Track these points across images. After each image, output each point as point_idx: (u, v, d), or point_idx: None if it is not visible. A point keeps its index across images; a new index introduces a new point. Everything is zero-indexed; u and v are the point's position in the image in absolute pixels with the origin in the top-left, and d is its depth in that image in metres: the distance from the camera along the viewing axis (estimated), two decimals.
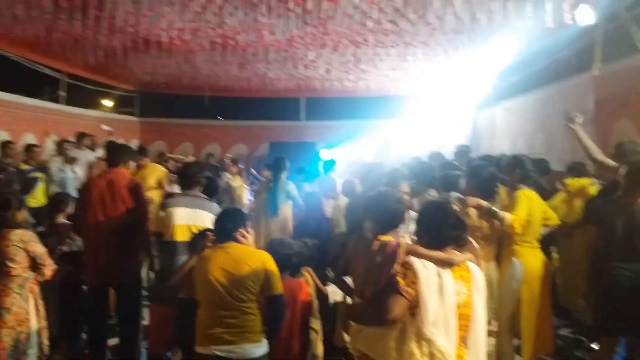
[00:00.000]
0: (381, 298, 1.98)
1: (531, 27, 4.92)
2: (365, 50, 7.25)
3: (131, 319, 3.59)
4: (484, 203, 3.29)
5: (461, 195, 3.39)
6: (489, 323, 3.26)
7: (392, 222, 2.26)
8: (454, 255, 2.06)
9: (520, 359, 3.50)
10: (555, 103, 6.69)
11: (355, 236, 2.41)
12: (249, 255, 2.55)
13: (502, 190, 3.82)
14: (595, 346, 4.09)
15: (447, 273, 2.00)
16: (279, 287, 2.55)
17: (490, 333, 3.25)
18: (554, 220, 3.75)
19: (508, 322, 3.44)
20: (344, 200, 4.99)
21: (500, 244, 3.54)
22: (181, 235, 3.39)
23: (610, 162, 3.83)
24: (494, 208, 3.29)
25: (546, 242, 3.88)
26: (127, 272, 3.54)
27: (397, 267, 2.00)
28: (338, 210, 5.23)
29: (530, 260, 3.39)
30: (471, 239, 2.74)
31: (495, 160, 4.50)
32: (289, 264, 3.13)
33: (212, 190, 4.39)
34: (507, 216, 3.26)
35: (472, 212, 3.30)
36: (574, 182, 4.52)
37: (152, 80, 10.34)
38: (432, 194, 4.02)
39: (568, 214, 4.46)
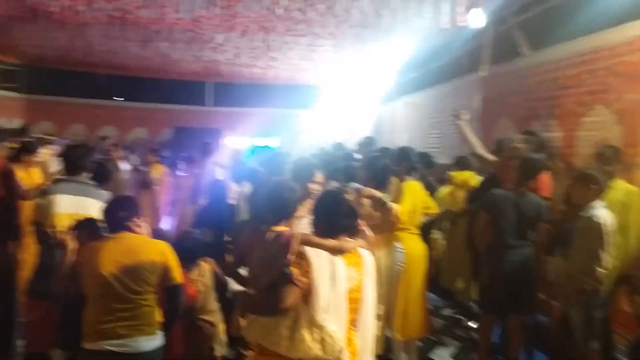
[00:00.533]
0: (275, 288, 2.01)
1: (429, 26, 5.22)
2: (274, 37, 7.21)
3: (4, 316, 3.26)
4: (377, 193, 3.45)
5: (359, 186, 3.52)
6: (377, 308, 3.46)
7: (285, 212, 2.27)
8: (347, 242, 2.14)
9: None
10: (448, 100, 7.20)
11: (250, 226, 2.40)
12: (145, 245, 2.44)
13: (393, 181, 4.05)
14: (473, 324, 4.55)
15: (339, 260, 2.07)
16: (178, 276, 2.48)
17: (378, 317, 3.46)
18: (434, 209, 4.06)
19: (395, 302, 3.64)
20: (248, 188, 4.92)
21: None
22: (62, 225, 3.13)
23: (490, 157, 4.21)
24: (384, 199, 3.46)
25: (426, 229, 4.19)
26: None
27: (291, 257, 2.04)
28: (241, 198, 5.17)
29: (411, 245, 3.64)
30: (365, 227, 2.89)
31: (390, 153, 4.74)
32: (188, 255, 3.05)
33: (101, 177, 4.12)
34: (395, 207, 3.46)
35: (366, 201, 3.45)
36: (458, 175, 4.92)
37: (40, 54, 9.36)
38: (334, 185, 4.13)
39: (452, 204, 4.87)
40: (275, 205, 2.27)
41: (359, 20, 5.58)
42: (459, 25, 5.11)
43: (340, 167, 4.40)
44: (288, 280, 1.98)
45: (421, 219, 3.86)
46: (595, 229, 2.99)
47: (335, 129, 11.44)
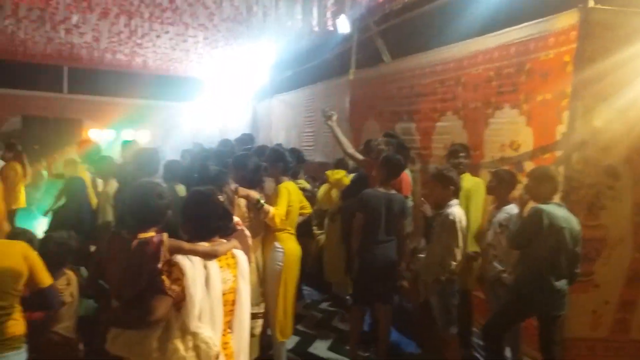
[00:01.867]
0: (143, 299, 1.87)
1: (300, 27, 5.32)
2: (139, 23, 6.74)
3: None
4: (253, 195, 3.41)
5: (234, 185, 3.44)
6: (257, 305, 3.44)
7: (153, 218, 2.10)
8: (220, 245, 2.08)
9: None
10: (321, 100, 7.42)
11: (109, 233, 2.19)
12: (4, 248, 2.17)
13: (268, 181, 4.05)
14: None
15: (213, 264, 2.01)
16: (47, 277, 2.25)
17: (256, 315, 3.45)
18: (308, 209, 4.19)
19: (276, 302, 3.67)
20: (113, 186, 4.49)
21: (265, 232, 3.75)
22: None
23: (359, 156, 4.47)
24: (261, 201, 3.44)
25: (303, 228, 4.28)
26: None
27: (160, 265, 1.91)
28: (105, 197, 4.71)
29: (289, 245, 3.69)
30: (244, 228, 2.84)
31: (263, 152, 4.73)
32: (54, 262, 2.74)
33: None
34: (271, 210, 3.47)
35: (242, 202, 3.39)
36: (332, 174, 5.11)
37: None
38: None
39: (328, 202, 5.06)
40: (139, 211, 2.08)
41: (230, 14, 5.47)
42: (328, 29, 5.28)
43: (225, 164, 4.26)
44: (158, 290, 1.86)
45: (297, 219, 3.93)
46: (449, 226, 3.34)
47: (210, 124, 11.16)
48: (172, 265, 1.92)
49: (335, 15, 5.24)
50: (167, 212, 2.15)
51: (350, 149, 4.54)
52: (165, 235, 1.99)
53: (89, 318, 3.12)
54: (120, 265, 2.05)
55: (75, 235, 3.14)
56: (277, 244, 3.63)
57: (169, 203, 2.15)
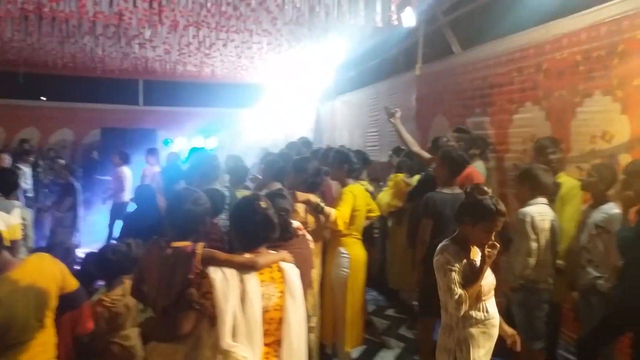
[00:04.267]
0: (173, 311, 1.79)
1: (363, 25, 5.16)
2: (207, 33, 6.90)
3: None
4: (313, 199, 3.29)
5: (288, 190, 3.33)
6: (308, 320, 3.30)
7: (188, 226, 2.01)
8: (263, 256, 1.93)
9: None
10: (385, 98, 7.21)
11: (150, 240, 2.12)
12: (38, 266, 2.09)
13: (333, 184, 3.91)
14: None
15: (251, 277, 1.85)
16: (74, 281, 2.18)
17: (309, 329, 3.31)
18: (376, 212, 3.98)
19: (344, 311, 3.52)
20: None
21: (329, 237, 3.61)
22: None
23: (425, 154, 4.22)
24: (321, 204, 3.31)
25: (369, 233, 4.08)
26: None
27: (192, 277, 1.82)
28: None
29: (355, 251, 3.54)
30: (305, 233, 2.72)
31: (322, 154, 4.61)
32: (112, 271, 2.78)
33: (6, 185, 3.73)
34: (333, 212, 3.32)
35: (300, 207, 3.27)
36: (394, 177, 4.88)
37: None
38: (276, 186, 3.92)
39: (386, 205, 4.82)
40: (176, 219, 2.00)
41: (292, 17, 5.42)
42: (392, 24, 5.07)
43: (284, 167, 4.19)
44: (187, 303, 1.77)
45: (364, 223, 3.76)
46: (519, 227, 3.03)
47: (276, 128, 11.28)
48: (203, 278, 1.80)
49: (400, 8, 5.01)
50: (204, 220, 2.06)
51: (416, 147, 4.29)
52: (199, 245, 1.89)
53: None
54: (155, 275, 1.98)
55: (142, 243, 3.14)
56: (342, 250, 3.49)
57: (206, 210, 2.05)
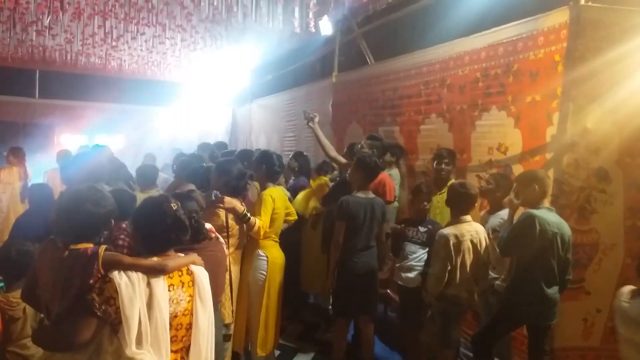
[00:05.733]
0: (70, 318, 1.65)
1: (281, 29, 5.17)
2: (114, 24, 6.51)
3: None
4: (239, 207, 3.21)
5: (218, 193, 3.23)
6: (227, 327, 3.21)
7: (88, 228, 1.87)
8: (171, 259, 1.85)
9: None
10: (302, 104, 7.25)
11: (46, 241, 1.96)
12: None
13: (252, 186, 3.85)
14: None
15: (159, 281, 1.77)
16: None
17: (226, 337, 3.22)
18: (294, 216, 3.99)
19: (259, 314, 3.47)
20: None
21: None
22: None
23: (342, 159, 4.33)
24: (247, 214, 3.25)
25: (286, 235, 4.07)
26: None
27: (92, 281, 1.70)
28: None
29: (273, 254, 3.51)
30: (218, 236, 2.63)
31: (247, 156, 4.53)
32: (16, 272, 2.58)
33: None
34: (257, 223, 3.28)
35: (222, 211, 3.19)
36: (315, 180, 4.93)
37: None
38: (190, 188, 3.76)
39: (304, 208, 4.85)
40: (72, 219, 1.85)
41: (209, 14, 5.29)
42: (310, 32, 5.14)
43: (199, 169, 4.05)
44: (86, 309, 1.64)
45: (282, 226, 3.74)
46: (435, 247, 3.23)
47: (188, 128, 10.92)
48: (105, 282, 1.69)
49: (318, 16, 5.10)
50: (107, 222, 1.94)
51: (333, 152, 4.41)
52: (101, 248, 1.78)
53: None
54: (49, 278, 1.83)
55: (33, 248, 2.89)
56: (260, 252, 3.45)
57: (110, 212, 1.92)
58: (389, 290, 4.36)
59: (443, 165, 3.90)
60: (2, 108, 9.93)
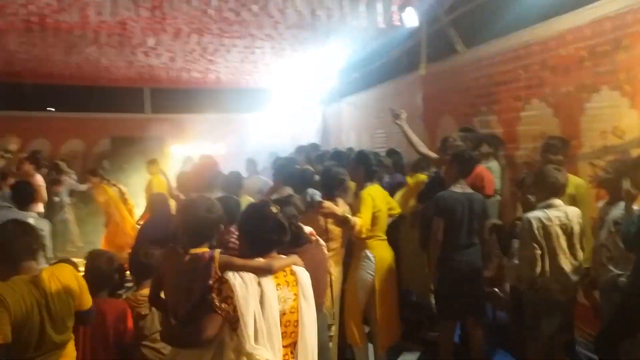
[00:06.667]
0: (195, 317, 1.81)
1: (365, 26, 5.14)
2: (210, 40, 6.93)
3: None
4: (338, 211, 3.25)
5: (317, 196, 3.32)
6: (328, 329, 3.24)
7: (203, 233, 2.05)
8: (276, 260, 1.96)
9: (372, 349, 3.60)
10: (390, 99, 7.17)
11: (167, 248, 2.16)
12: (57, 271, 2.19)
13: (352, 186, 3.88)
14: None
15: (268, 281, 1.89)
16: (89, 299, 2.28)
17: (329, 338, 3.27)
18: (397, 210, 3.93)
19: (361, 315, 3.52)
20: None
21: (351, 241, 3.58)
22: None
23: (433, 155, 4.18)
24: (347, 216, 3.28)
25: (392, 231, 4.03)
26: None
27: (211, 283, 1.84)
28: None
29: (380, 252, 3.50)
30: (318, 238, 2.72)
31: (343, 158, 4.58)
32: (142, 271, 2.84)
33: (22, 197, 3.76)
34: (357, 222, 3.28)
35: (321, 217, 3.26)
36: (412, 178, 4.83)
37: None
38: (288, 192, 3.90)
39: (404, 207, 4.77)
40: (191, 226, 2.03)
41: (295, 21, 5.42)
42: (394, 25, 5.05)
43: (295, 172, 4.17)
44: (208, 308, 1.79)
45: (387, 222, 3.72)
46: (521, 234, 3.00)
47: (281, 132, 11.27)
48: (222, 283, 1.84)
49: (402, 8, 4.99)
50: (218, 227, 2.10)
51: (423, 148, 4.24)
52: (217, 251, 1.93)
53: None
54: (174, 281, 2.01)
55: (153, 253, 3.17)
56: (367, 252, 3.47)
57: (219, 217, 2.09)
58: (496, 289, 4.15)
59: (551, 156, 3.49)
60: (118, 124, 11.08)
